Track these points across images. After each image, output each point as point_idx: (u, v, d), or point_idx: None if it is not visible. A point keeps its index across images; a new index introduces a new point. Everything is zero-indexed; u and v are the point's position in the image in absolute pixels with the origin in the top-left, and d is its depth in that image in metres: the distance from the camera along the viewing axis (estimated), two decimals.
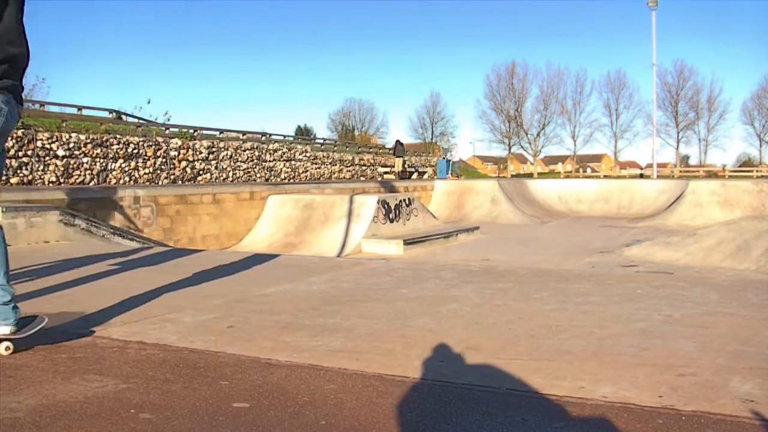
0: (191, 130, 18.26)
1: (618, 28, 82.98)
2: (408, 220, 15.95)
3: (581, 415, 2.15)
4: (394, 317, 3.59)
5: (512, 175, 57.40)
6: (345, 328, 3.30)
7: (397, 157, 29.14)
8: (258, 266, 5.75)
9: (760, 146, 62.84)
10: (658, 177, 31.06)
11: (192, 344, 2.96)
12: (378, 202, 14.84)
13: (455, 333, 3.21)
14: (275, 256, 6.53)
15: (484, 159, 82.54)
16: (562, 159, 79.06)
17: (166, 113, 28.39)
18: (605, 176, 45.19)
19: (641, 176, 37.38)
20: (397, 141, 31.27)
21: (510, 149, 61.67)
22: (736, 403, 2.27)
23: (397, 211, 15.63)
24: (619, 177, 44.36)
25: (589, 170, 66.38)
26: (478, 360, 2.77)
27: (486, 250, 14.46)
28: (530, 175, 54.98)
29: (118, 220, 11.84)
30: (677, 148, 60.71)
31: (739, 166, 62.88)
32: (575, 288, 4.54)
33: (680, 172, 48.52)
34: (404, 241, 13.74)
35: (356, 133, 59.85)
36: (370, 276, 5.03)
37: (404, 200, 16.16)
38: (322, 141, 31.96)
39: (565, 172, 54.28)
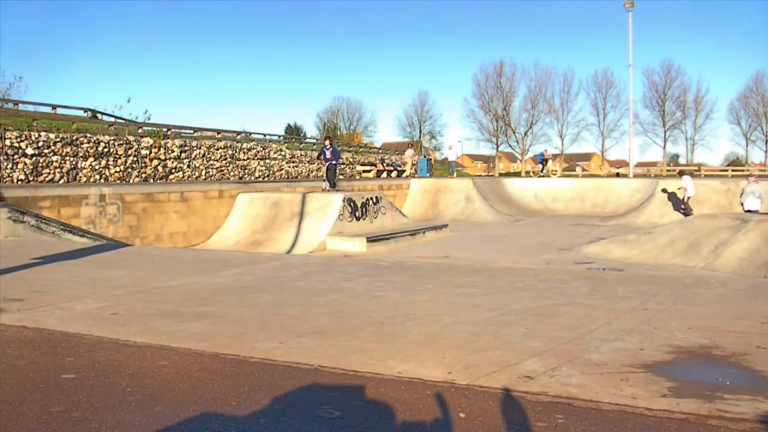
0: (165, 129, 18.50)
1: (605, 28, 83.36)
2: (375, 218, 16.24)
3: (367, 386, 2.49)
4: (271, 306, 3.92)
5: (500, 174, 57.75)
6: (216, 315, 3.64)
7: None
8: (182, 261, 6.08)
9: (747, 145, 63.44)
10: (635, 176, 31.46)
11: (67, 328, 3.29)
12: (344, 201, 15.13)
13: (315, 319, 3.55)
14: (203, 251, 6.85)
15: (474, 158, 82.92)
16: (553, 158, 79.34)
17: (146, 111, 28.64)
18: (585, 175, 45.64)
19: (617, 175, 37.83)
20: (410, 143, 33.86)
21: (498, 148, 62.10)
22: (512, 378, 2.62)
23: (364, 210, 15.93)
24: (594, 176, 44.80)
25: (579, 169, 66.77)
26: (317, 342, 3.10)
27: (449, 248, 14.77)
28: (518, 174, 55.31)
29: (83, 217, 12.13)
30: (664, 147, 61.24)
31: (727, 165, 63.40)
32: (464, 281, 4.88)
33: (658, 170, 49.05)
34: (368, 238, 14.04)
35: (344, 131, 60.12)
36: (280, 270, 5.37)
37: (371, 198, 16.46)
38: (300, 139, 32.47)
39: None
